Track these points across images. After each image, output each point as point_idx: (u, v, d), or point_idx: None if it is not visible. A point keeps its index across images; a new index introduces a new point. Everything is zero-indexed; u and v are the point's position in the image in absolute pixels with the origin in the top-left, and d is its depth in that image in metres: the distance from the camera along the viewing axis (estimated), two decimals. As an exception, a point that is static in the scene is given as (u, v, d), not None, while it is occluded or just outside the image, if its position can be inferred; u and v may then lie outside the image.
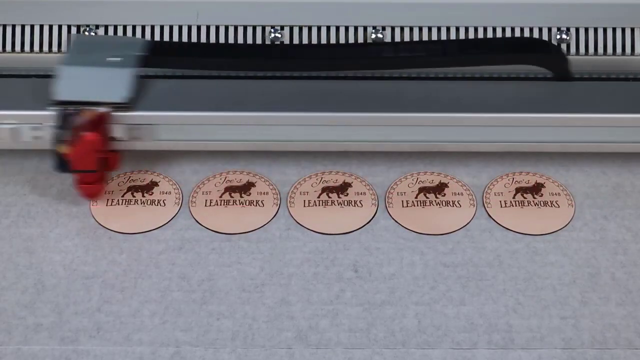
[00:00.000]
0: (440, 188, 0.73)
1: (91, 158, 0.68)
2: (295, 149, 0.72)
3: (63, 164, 0.68)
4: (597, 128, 0.71)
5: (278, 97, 0.71)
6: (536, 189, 0.73)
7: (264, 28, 0.79)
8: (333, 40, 0.79)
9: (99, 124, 0.68)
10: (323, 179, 0.73)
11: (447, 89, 0.72)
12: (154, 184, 0.73)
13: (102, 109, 0.68)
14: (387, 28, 0.79)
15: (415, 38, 0.79)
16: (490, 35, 0.79)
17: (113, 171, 0.72)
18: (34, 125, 0.69)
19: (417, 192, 0.73)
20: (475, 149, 0.72)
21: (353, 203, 0.72)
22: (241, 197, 0.72)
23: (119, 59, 0.70)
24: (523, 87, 0.73)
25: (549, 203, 0.72)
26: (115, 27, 0.79)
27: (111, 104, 0.68)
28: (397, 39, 0.79)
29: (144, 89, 0.70)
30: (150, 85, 0.71)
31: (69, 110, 0.68)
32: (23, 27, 0.79)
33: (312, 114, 0.70)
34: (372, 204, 0.72)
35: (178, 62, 0.73)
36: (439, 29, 0.79)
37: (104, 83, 0.69)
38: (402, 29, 0.79)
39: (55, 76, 0.69)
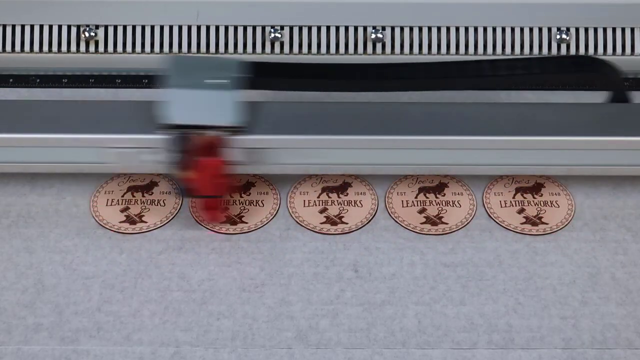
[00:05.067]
0: (440, 188, 0.73)
1: (217, 183, 0.67)
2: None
3: (186, 190, 0.67)
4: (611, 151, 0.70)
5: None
6: (536, 189, 0.73)
7: (263, 28, 0.79)
8: (333, 40, 0.79)
9: (215, 148, 0.66)
10: (323, 179, 0.73)
11: (454, 111, 0.71)
12: (153, 184, 0.73)
13: (217, 133, 0.66)
14: (387, 28, 0.79)
15: (415, 38, 0.79)
16: (490, 35, 0.79)
17: (226, 196, 0.71)
18: (150, 148, 0.68)
19: (417, 192, 0.73)
20: (479, 172, 0.72)
21: (353, 203, 0.72)
22: (241, 197, 0.72)
23: (223, 81, 0.68)
24: (535, 110, 0.71)
25: (549, 203, 0.72)
26: (115, 27, 0.79)
27: (225, 127, 0.67)
28: (397, 39, 0.79)
29: (254, 111, 0.69)
30: (259, 108, 0.69)
31: (182, 134, 0.66)
32: (23, 27, 0.79)
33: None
34: (372, 204, 0.72)
35: (283, 84, 0.71)
36: (438, 29, 0.79)
37: (214, 106, 0.67)
38: (402, 29, 0.79)
39: (161, 99, 0.67)
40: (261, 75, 0.70)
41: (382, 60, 0.79)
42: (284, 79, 0.71)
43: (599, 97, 0.73)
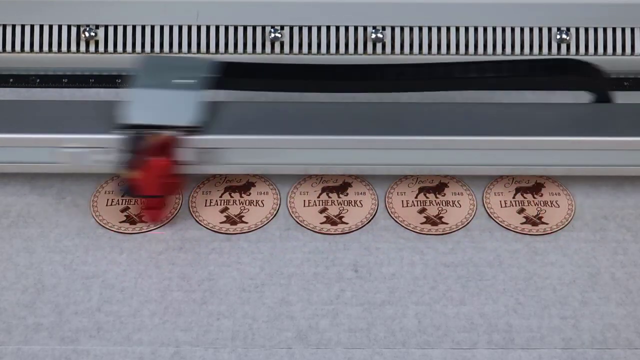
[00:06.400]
0: (440, 188, 0.73)
1: (159, 183, 0.66)
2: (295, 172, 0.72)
3: (130, 189, 0.67)
4: (614, 151, 0.70)
5: (344, 120, 0.69)
6: (536, 188, 0.73)
7: (264, 28, 0.79)
8: (333, 41, 0.79)
9: (167, 148, 0.66)
10: (323, 179, 0.73)
11: (458, 112, 0.71)
12: (154, 184, 0.73)
13: (170, 133, 0.66)
14: (387, 28, 0.79)
15: (415, 38, 0.79)
16: (490, 35, 0.79)
17: (176, 195, 0.71)
18: (100, 148, 0.67)
19: (417, 192, 0.73)
20: (479, 172, 0.72)
21: (353, 203, 0.72)
22: (241, 197, 0.72)
23: (189, 81, 0.68)
24: (537, 110, 0.71)
25: (549, 203, 0.72)
26: (115, 27, 0.79)
27: (180, 127, 0.67)
28: (397, 39, 0.79)
29: (214, 112, 0.69)
30: (220, 109, 0.69)
31: (137, 134, 0.66)
32: (23, 27, 0.79)
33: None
34: (372, 204, 0.72)
35: (250, 84, 0.71)
36: (439, 29, 0.79)
37: (173, 106, 0.67)
38: (402, 29, 0.79)
39: (123, 99, 0.68)
40: (230, 75, 0.70)
41: (382, 60, 0.79)
42: (252, 79, 0.71)
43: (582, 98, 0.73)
